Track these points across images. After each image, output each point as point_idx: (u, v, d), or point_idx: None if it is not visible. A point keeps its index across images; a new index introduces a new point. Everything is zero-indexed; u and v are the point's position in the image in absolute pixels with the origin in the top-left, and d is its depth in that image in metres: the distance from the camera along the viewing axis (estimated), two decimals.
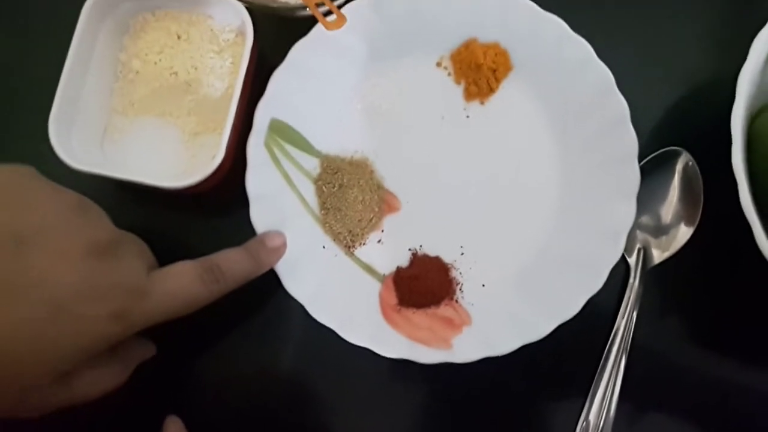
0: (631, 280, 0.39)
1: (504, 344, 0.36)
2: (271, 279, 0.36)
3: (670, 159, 0.40)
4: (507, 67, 0.40)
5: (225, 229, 0.40)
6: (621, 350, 0.38)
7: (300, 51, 0.38)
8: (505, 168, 0.40)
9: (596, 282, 0.36)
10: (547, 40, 0.39)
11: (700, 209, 0.39)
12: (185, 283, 0.31)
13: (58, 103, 0.36)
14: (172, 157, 0.39)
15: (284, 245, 0.36)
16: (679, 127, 0.41)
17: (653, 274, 0.39)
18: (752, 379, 0.39)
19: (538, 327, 0.36)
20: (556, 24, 0.38)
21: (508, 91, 0.40)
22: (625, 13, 0.43)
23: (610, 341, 0.39)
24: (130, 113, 0.40)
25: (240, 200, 0.37)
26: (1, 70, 0.43)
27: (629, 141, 0.37)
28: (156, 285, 0.30)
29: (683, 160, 0.39)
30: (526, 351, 0.36)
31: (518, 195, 0.40)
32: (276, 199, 0.38)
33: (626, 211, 0.37)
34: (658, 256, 0.39)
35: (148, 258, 0.32)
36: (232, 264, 0.33)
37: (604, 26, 0.40)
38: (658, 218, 0.39)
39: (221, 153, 0.35)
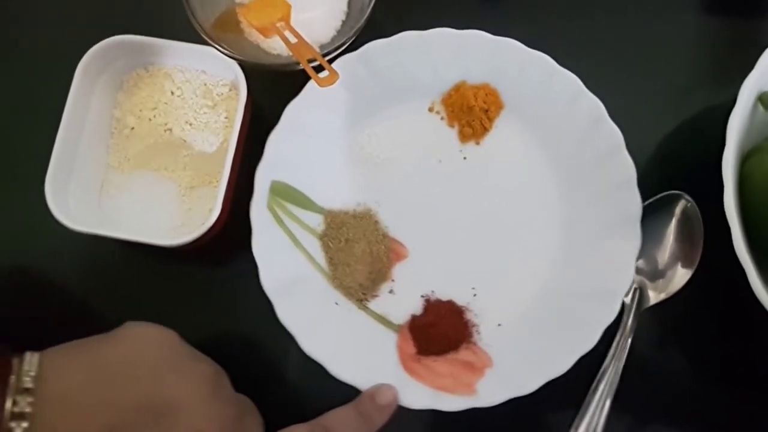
0: (624, 318, 0.38)
1: (528, 383, 0.36)
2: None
3: (670, 203, 0.39)
4: (498, 106, 0.41)
5: (228, 278, 0.40)
6: (606, 390, 0.37)
7: (294, 110, 0.38)
8: (507, 205, 0.40)
9: (611, 311, 0.36)
10: (536, 77, 0.39)
11: (700, 251, 0.38)
12: None
13: (54, 163, 0.36)
14: (169, 211, 0.39)
15: (396, 399, 0.35)
16: (677, 166, 0.42)
17: (649, 313, 0.39)
18: (746, 423, 0.39)
19: (560, 362, 0.36)
20: (544, 60, 0.39)
21: (501, 129, 0.41)
22: (619, 50, 0.44)
23: (597, 379, 0.37)
24: (126, 168, 0.40)
25: (239, 249, 0.37)
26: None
27: (626, 167, 0.37)
28: None
29: (683, 203, 0.39)
30: None
31: (523, 231, 0.40)
32: (284, 261, 0.38)
33: (632, 235, 0.37)
34: (654, 297, 0.39)
35: (261, 423, 0.33)
36: (345, 428, 0.33)
37: (597, 66, 0.40)
38: (655, 262, 0.39)
39: (218, 207, 0.36)
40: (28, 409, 0.26)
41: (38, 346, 0.29)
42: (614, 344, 0.38)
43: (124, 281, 0.40)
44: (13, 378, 0.26)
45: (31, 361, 0.27)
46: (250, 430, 0.31)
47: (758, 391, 0.40)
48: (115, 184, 0.40)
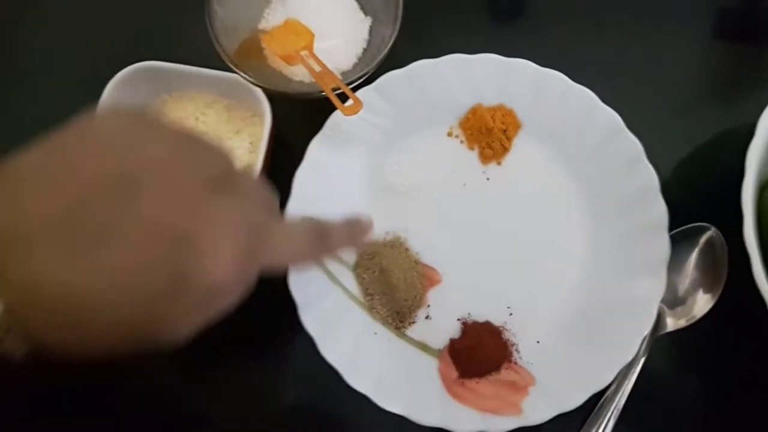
0: None
1: (573, 399, 0.36)
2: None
3: (695, 233, 0.40)
4: (516, 125, 0.41)
5: (254, 304, 0.40)
6: (610, 413, 0.37)
7: (317, 146, 0.39)
8: (534, 221, 0.41)
9: (647, 320, 0.37)
10: (550, 95, 0.40)
11: (723, 280, 0.38)
12: (300, 238, 0.28)
13: None
14: None
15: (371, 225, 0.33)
16: (693, 191, 0.42)
17: (668, 339, 0.39)
18: None
19: (602, 375, 0.36)
20: (558, 78, 0.39)
21: (521, 147, 0.41)
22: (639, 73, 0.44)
23: (601, 402, 0.38)
24: None
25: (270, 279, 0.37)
26: None
27: (649, 175, 0.38)
28: (276, 228, 0.27)
29: (708, 234, 0.39)
30: None
31: (551, 244, 0.40)
32: (322, 297, 0.38)
33: (661, 242, 0.37)
34: (672, 324, 0.39)
35: (271, 207, 0.28)
36: (337, 237, 0.30)
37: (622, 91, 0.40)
38: (675, 289, 0.39)
39: None
40: None
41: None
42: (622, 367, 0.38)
43: None
44: None
45: None
46: (249, 198, 0.26)
47: None
48: None
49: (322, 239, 0.29)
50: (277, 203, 0.29)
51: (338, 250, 0.31)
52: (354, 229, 0.32)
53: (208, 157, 0.26)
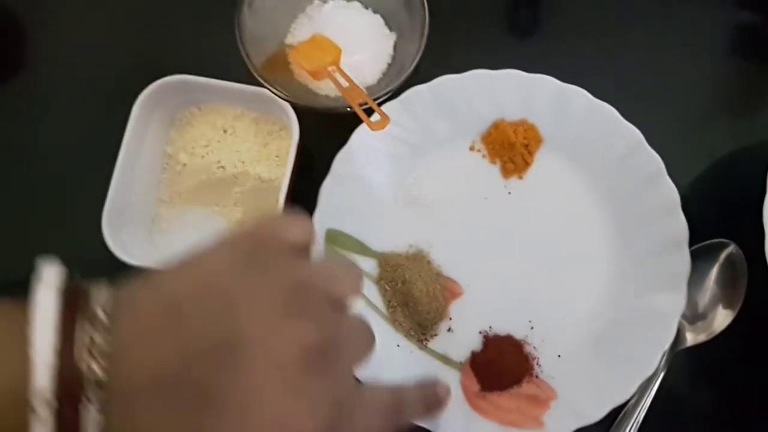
0: None
1: (593, 412, 0.36)
2: None
3: (715, 249, 0.40)
4: (538, 140, 0.42)
5: None
6: (630, 427, 0.38)
7: (342, 160, 0.40)
8: (555, 235, 0.41)
9: (667, 334, 0.37)
10: (572, 110, 0.40)
11: (743, 295, 0.39)
12: (379, 414, 0.28)
13: (111, 197, 0.37)
14: None
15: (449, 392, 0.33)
16: (712, 206, 0.42)
17: (687, 354, 0.39)
18: None
19: (622, 388, 0.37)
20: (579, 94, 0.40)
21: (542, 162, 0.42)
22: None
23: (621, 416, 0.38)
24: (177, 203, 0.41)
25: None
26: (55, 168, 0.44)
27: (670, 192, 0.38)
28: (358, 402, 0.27)
29: (728, 250, 0.39)
30: None
31: (573, 259, 0.41)
32: None
33: (681, 255, 0.38)
34: (692, 338, 0.39)
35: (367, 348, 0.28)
36: (413, 408, 0.30)
37: (630, 101, 0.41)
38: (695, 304, 0.39)
39: None
40: (104, 346, 0.23)
41: None
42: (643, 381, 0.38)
43: None
44: (84, 309, 0.23)
45: (101, 290, 0.24)
46: (342, 361, 0.26)
47: None
48: (165, 218, 0.41)
49: (399, 412, 0.29)
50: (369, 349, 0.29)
51: (413, 420, 0.32)
52: (430, 399, 0.32)
53: (312, 316, 0.25)
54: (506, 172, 0.42)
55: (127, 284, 0.25)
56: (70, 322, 0.23)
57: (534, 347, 0.39)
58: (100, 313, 0.23)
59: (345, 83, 0.38)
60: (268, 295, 0.25)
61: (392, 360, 0.38)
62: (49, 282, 0.24)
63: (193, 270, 0.26)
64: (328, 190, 0.39)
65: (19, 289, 0.25)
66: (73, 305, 0.23)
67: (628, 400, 0.37)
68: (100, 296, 0.24)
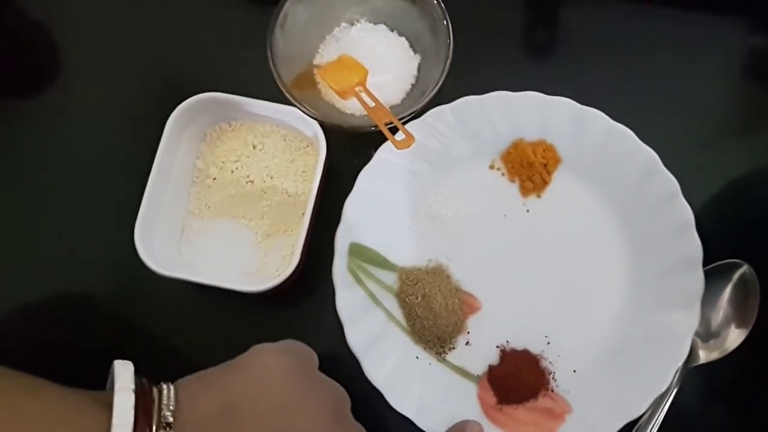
0: None
1: (607, 427, 0.37)
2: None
3: (728, 270, 0.40)
4: (556, 160, 0.43)
5: (300, 320, 0.43)
6: None
7: (366, 177, 0.41)
8: (572, 253, 0.42)
9: (681, 352, 0.38)
10: (590, 131, 0.42)
11: (755, 314, 0.39)
12: None
13: (143, 209, 0.39)
14: (245, 257, 0.41)
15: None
16: (726, 226, 0.43)
17: (700, 371, 0.40)
18: None
19: (636, 404, 0.38)
20: (598, 116, 0.41)
21: (560, 181, 0.43)
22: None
23: (635, 429, 0.39)
24: (206, 215, 0.42)
25: (311, 294, 0.42)
26: (86, 182, 0.45)
27: (684, 212, 0.40)
28: None
29: (741, 270, 0.40)
30: None
31: (589, 276, 0.42)
32: (366, 318, 0.40)
33: (696, 274, 0.39)
34: (705, 356, 0.40)
35: None
36: None
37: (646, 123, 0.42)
38: (708, 322, 0.40)
39: (296, 256, 0.38)
40: None
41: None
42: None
43: (199, 321, 0.43)
44: (155, 411, 0.27)
45: (168, 393, 0.28)
46: None
47: None
48: (194, 230, 0.42)
49: None
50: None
51: None
52: None
53: (346, 424, 0.33)
54: (525, 191, 0.43)
55: (187, 384, 0.29)
56: (144, 425, 0.26)
57: (550, 362, 0.40)
58: (168, 416, 0.27)
59: (371, 103, 0.39)
60: (316, 404, 0.31)
61: (411, 371, 0.39)
62: (124, 385, 0.27)
63: (249, 375, 0.30)
64: (352, 205, 0.40)
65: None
66: (145, 409, 0.26)
67: (641, 416, 0.38)
68: (166, 398, 0.27)
